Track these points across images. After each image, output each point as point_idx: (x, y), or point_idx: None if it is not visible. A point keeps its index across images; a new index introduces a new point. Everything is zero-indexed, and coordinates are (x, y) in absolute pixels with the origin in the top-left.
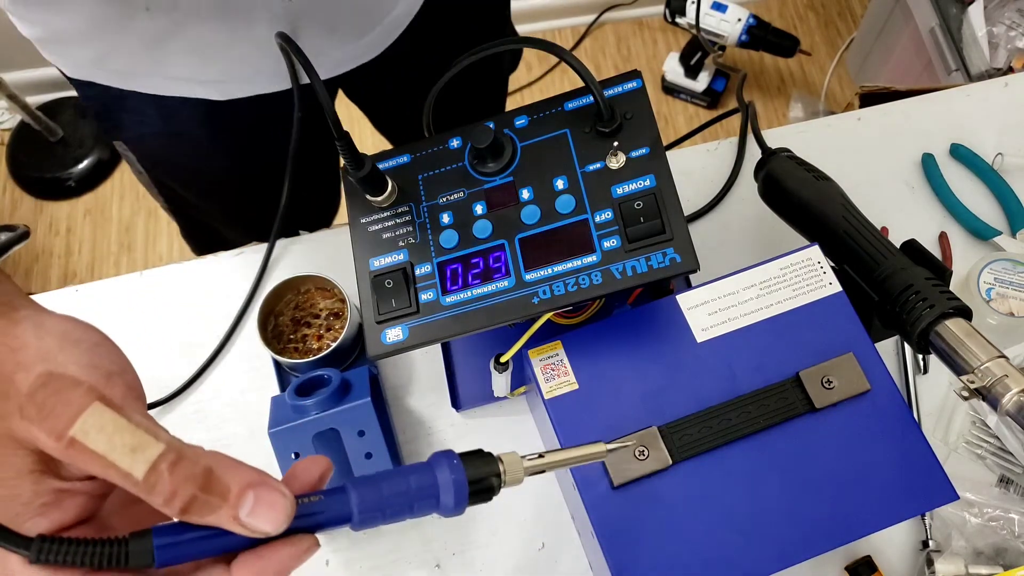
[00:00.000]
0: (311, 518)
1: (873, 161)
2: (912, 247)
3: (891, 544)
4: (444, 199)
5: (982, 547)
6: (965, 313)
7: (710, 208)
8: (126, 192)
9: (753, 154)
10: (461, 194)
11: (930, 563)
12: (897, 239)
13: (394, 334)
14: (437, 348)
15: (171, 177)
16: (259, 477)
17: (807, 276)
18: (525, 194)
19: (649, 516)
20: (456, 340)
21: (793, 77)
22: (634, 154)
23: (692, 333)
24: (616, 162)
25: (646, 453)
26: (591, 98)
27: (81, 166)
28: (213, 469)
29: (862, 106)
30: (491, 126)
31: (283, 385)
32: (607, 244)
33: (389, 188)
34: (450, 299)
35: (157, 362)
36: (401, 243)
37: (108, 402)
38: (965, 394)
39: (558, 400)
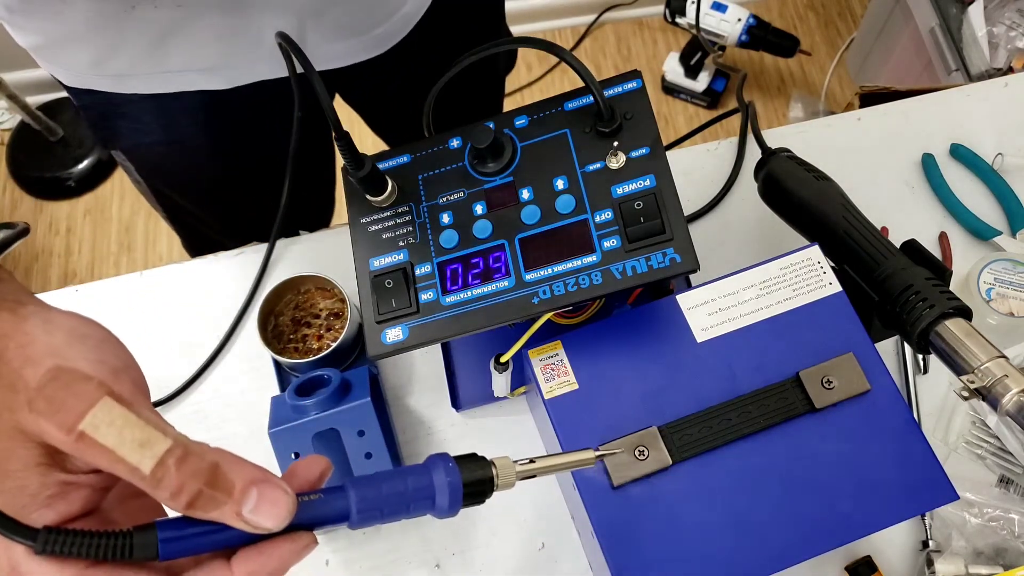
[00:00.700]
0: (311, 515)
1: (873, 161)
2: (912, 247)
3: (891, 544)
4: (444, 199)
5: (982, 547)
6: (965, 313)
7: (710, 208)
8: (126, 192)
9: (753, 154)
10: (461, 194)
11: (930, 563)
12: (897, 239)
13: (394, 334)
14: (437, 348)
15: (169, 186)
16: (262, 474)
17: (807, 276)
18: (525, 194)
19: (649, 516)
20: (456, 340)
21: (793, 77)
22: (634, 154)
23: (692, 333)
24: (616, 162)
25: (646, 453)
26: (591, 98)
27: (81, 166)
28: (219, 465)
29: (862, 106)
30: (491, 126)
31: (283, 385)
32: (607, 244)
33: (389, 188)
34: (450, 299)
35: (157, 362)
36: (401, 243)
37: (117, 397)
38: (965, 394)
39: (558, 400)
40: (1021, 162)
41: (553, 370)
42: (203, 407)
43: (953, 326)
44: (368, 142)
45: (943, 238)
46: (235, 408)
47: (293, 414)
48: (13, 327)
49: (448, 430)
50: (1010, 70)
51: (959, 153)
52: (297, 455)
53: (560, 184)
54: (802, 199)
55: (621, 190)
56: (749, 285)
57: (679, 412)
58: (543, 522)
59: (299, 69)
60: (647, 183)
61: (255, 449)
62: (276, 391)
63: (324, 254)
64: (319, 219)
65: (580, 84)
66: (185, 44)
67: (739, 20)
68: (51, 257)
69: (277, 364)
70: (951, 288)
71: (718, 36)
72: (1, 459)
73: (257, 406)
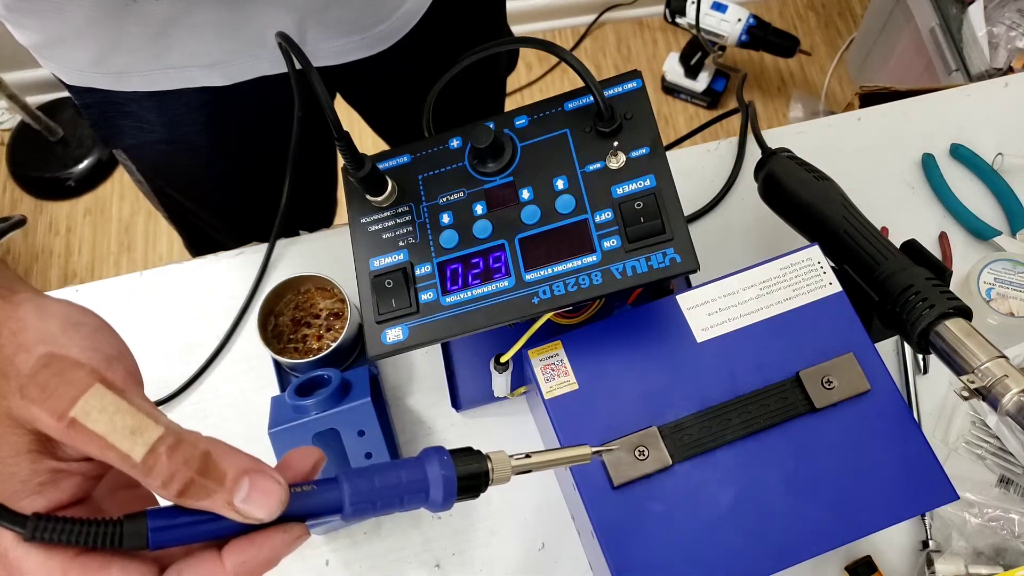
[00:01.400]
0: (303, 507)
1: (873, 161)
2: (912, 247)
3: (891, 544)
4: (444, 199)
5: (982, 547)
6: (965, 313)
7: (710, 208)
8: (126, 192)
9: (753, 154)
10: (461, 194)
11: (930, 563)
12: (897, 239)
13: (394, 334)
14: (437, 348)
15: (171, 185)
16: (255, 464)
17: (807, 276)
18: (525, 194)
19: (649, 516)
20: (456, 340)
21: (793, 77)
22: (634, 154)
23: (692, 333)
24: (616, 162)
25: (646, 453)
26: (591, 98)
27: (81, 166)
28: (211, 454)
29: (862, 106)
30: (491, 126)
31: (283, 385)
32: (607, 244)
33: (389, 188)
34: (450, 299)
35: (157, 362)
36: (401, 243)
37: (109, 384)
38: (965, 394)
39: (558, 400)
40: (1021, 162)
41: (553, 370)
42: (203, 407)
43: (953, 326)
44: (368, 142)
45: (943, 238)
46: (235, 408)
47: (293, 414)
48: (6, 314)
49: (448, 430)
50: (1010, 70)
51: (959, 153)
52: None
53: (560, 184)
54: (802, 199)
55: (621, 190)
56: (749, 285)
57: (679, 412)
58: (543, 522)
59: (299, 68)
60: (647, 183)
61: (255, 449)
62: (276, 391)
63: (324, 254)
64: (321, 219)
65: (580, 84)
66: (186, 39)
67: (739, 20)
68: (51, 257)
69: (277, 364)
70: (951, 288)
71: (718, 36)
72: None
73: (257, 406)
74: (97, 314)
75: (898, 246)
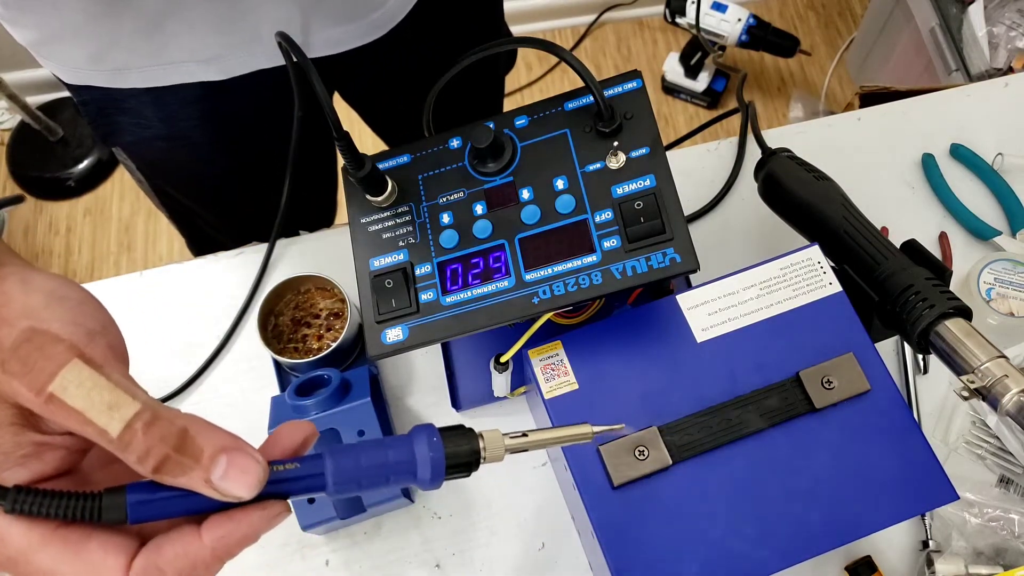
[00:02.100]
0: (285, 485)
1: (873, 161)
2: (912, 247)
3: (891, 544)
4: (444, 199)
5: (982, 547)
6: (965, 313)
7: (710, 208)
8: (126, 192)
9: (753, 154)
10: (461, 194)
11: (930, 563)
12: (897, 239)
13: (394, 334)
14: (437, 348)
15: (170, 183)
16: (233, 442)
17: (807, 276)
18: (525, 194)
19: (649, 516)
20: (456, 340)
21: (793, 77)
22: (634, 154)
23: (692, 333)
24: (616, 162)
25: (646, 453)
26: (591, 98)
27: (81, 166)
28: (188, 430)
29: (862, 106)
30: (491, 126)
31: (283, 385)
32: (607, 244)
33: (389, 188)
34: (450, 299)
35: (157, 362)
36: (401, 243)
37: (88, 360)
38: (965, 394)
39: (558, 400)
40: (1021, 162)
41: (553, 370)
42: (203, 407)
43: (953, 326)
44: (368, 142)
45: (943, 238)
46: (235, 408)
47: (293, 414)
48: None
49: None
50: (1010, 70)
51: (959, 153)
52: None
53: (560, 184)
54: (802, 199)
55: (621, 190)
56: (749, 285)
57: (679, 412)
58: (543, 522)
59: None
60: (647, 183)
61: None
62: (276, 391)
63: (324, 254)
64: (321, 219)
65: (580, 84)
66: (181, 34)
67: (739, 20)
68: (51, 257)
69: (277, 364)
70: (951, 288)
71: (718, 36)
72: None
73: (257, 406)
74: (83, 288)
75: (898, 246)
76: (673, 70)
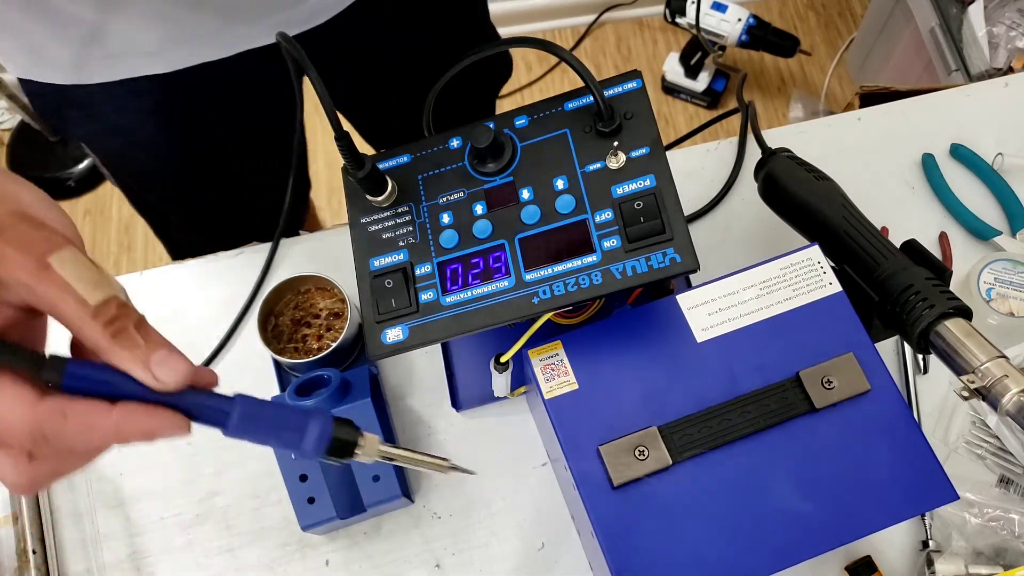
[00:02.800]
0: (196, 402)
1: (873, 161)
2: (912, 247)
3: (891, 544)
4: (444, 199)
5: (982, 547)
6: (965, 313)
7: (710, 208)
8: None
9: (753, 154)
10: (461, 194)
11: (930, 563)
12: (897, 239)
13: (394, 334)
14: (437, 348)
15: (133, 179)
16: (174, 346)
17: (807, 276)
18: (525, 194)
19: (649, 516)
20: (456, 340)
21: (793, 77)
22: (634, 154)
23: (692, 333)
24: (616, 162)
25: (646, 453)
26: (591, 98)
27: (81, 166)
28: (146, 320)
29: (862, 106)
30: (491, 126)
31: (283, 385)
32: (607, 244)
33: (389, 188)
34: (450, 299)
35: None
36: (401, 243)
37: (80, 250)
38: (965, 394)
39: (558, 400)
40: (1021, 162)
41: (553, 370)
42: None
43: (953, 326)
44: (368, 143)
45: (943, 238)
46: None
47: None
48: None
49: (448, 430)
50: (1010, 70)
51: (959, 153)
52: (296, 456)
53: (560, 184)
54: (802, 199)
55: (621, 190)
56: (749, 285)
57: (679, 412)
58: (543, 522)
59: (300, 70)
60: (647, 183)
61: (254, 449)
62: (276, 391)
63: (324, 254)
64: (290, 223)
65: (580, 84)
66: (124, 28)
67: (739, 20)
68: None
69: (277, 364)
70: (951, 288)
71: (718, 36)
72: None
73: None
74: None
75: (898, 246)
76: (673, 70)
